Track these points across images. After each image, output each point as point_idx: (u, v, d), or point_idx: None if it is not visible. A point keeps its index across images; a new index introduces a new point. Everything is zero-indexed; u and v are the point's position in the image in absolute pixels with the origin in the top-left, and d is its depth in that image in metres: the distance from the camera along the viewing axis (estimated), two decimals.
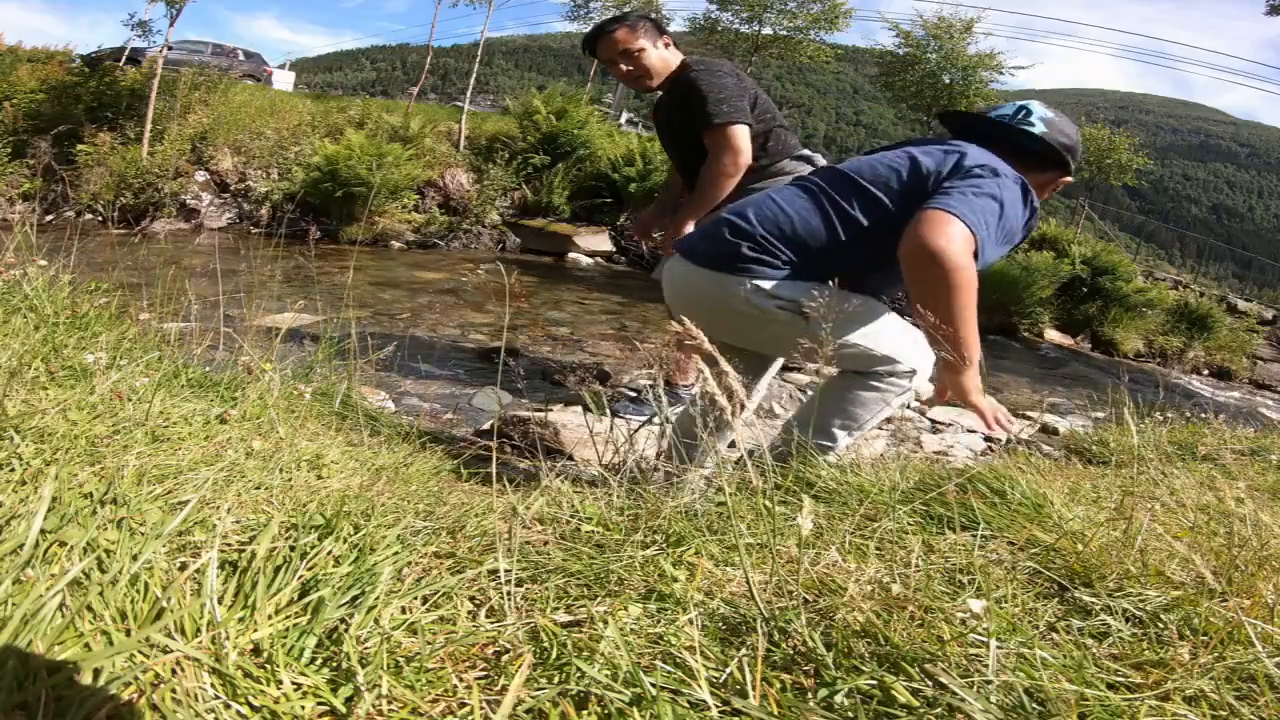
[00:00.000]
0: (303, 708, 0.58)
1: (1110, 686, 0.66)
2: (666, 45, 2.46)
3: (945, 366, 1.40)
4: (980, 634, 0.70)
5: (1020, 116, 1.55)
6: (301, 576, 0.72)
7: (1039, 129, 1.52)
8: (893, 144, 1.69)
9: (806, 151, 2.55)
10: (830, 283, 1.62)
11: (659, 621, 0.74)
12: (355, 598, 0.72)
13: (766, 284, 1.48)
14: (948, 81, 13.10)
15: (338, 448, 1.30)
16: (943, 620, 0.73)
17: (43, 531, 0.69)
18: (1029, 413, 3.99)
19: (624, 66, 2.41)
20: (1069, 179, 1.62)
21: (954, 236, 1.22)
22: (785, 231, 1.48)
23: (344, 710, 0.58)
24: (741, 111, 2.32)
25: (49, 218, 7.81)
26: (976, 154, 1.40)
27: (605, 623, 0.71)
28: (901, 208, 1.38)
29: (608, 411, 1.89)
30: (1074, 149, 1.56)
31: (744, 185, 2.38)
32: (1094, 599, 0.84)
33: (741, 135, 2.30)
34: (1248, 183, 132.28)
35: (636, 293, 6.97)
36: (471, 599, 0.77)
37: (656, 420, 1.34)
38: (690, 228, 2.38)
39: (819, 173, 1.64)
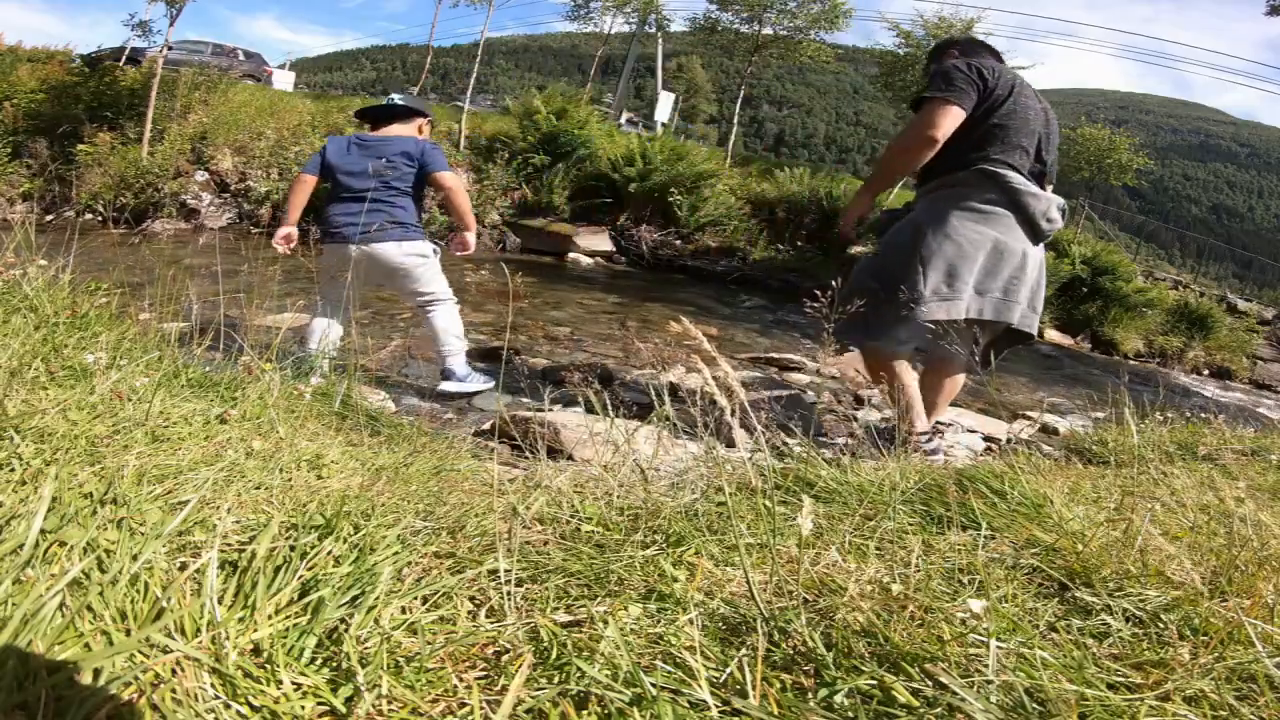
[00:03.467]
0: (303, 708, 0.58)
1: (1110, 686, 0.66)
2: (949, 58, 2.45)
3: None
4: (980, 634, 0.70)
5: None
6: (301, 576, 0.72)
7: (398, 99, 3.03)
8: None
9: (1016, 183, 2.21)
10: None
11: (659, 621, 0.74)
12: (355, 598, 0.72)
13: None
14: None
15: (338, 448, 1.30)
16: (943, 620, 0.73)
17: (43, 531, 0.69)
18: (1029, 413, 3.99)
19: None
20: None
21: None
22: None
23: (344, 710, 0.58)
24: (959, 93, 2.14)
25: (49, 218, 7.81)
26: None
27: (605, 623, 0.71)
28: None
29: (609, 411, 1.89)
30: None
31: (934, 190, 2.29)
32: (1094, 599, 0.84)
33: (940, 110, 2.13)
34: (1248, 183, 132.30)
35: (636, 293, 6.97)
36: (471, 599, 0.77)
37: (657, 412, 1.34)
38: (866, 201, 2.40)
39: None
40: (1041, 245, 2.32)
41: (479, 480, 1.35)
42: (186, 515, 0.77)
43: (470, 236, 3.00)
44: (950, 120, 2.12)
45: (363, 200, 2.75)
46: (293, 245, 2.92)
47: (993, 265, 2.22)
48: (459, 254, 3.02)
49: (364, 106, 3.18)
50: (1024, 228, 2.22)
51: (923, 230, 2.22)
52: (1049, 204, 2.22)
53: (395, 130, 2.93)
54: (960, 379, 2.46)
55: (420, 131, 3.02)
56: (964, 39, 2.57)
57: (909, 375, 2.31)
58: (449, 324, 2.92)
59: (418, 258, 2.84)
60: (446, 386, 2.86)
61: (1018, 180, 2.18)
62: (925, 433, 2.31)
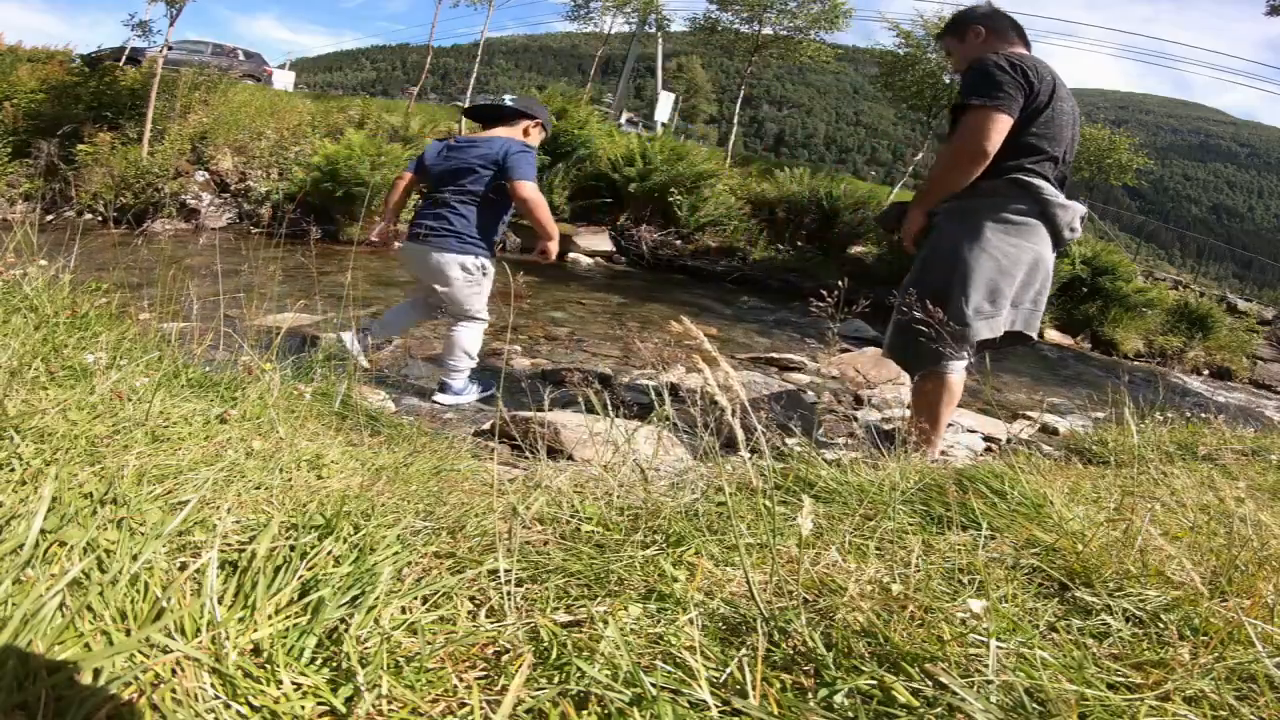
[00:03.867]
0: (303, 708, 0.58)
1: (1110, 686, 0.66)
2: (977, 37, 2.28)
3: None
4: (980, 634, 0.70)
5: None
6: (301, 576, 0.72)
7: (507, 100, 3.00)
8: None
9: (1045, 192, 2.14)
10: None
11: (659, 621, 0.74)
12: (355, 598, 0.72)
13: None
14: (948, 81, 13.09)
15: (338, 448, 1.30)
16: (943, 620, 0.73)
17: (43, 531, 0.69)
18: (1029, 413, 3.99)
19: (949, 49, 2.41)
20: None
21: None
22: None
23: (344, 710, 0.58)
24: (1007, 100, 2.01)
25: (49, 218, 7.80)
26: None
27: (605, 623, 0.71)
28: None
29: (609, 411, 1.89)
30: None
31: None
32: (1094, 599, 0.84)
33: (991, 120, 2.00)
34: (1248, 183, 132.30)
35: (636, 293, 6.97)
36: (471, 599, 0.77)
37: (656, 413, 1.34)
38: (919, 216, 2.26)
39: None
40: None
41: (479, 480, 1.35)
42: (186, 515, 0.77)
43: (552, 245, 2.90)
44: (1000, 131, 2.02)
45: (440, 205, 2.75)
46: (384, 241, 2.98)
47: (1028, 279, 2.20)
48: (541, 262, 2.95)
49: (473, 106, 3.12)
50: (1050, 238, 2.19)
51: (959, 246, 2.16)
52: (1074, 214, 2.18)
53: (499, 132, 2.84)
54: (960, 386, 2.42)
55: (525, 134, 2.90)
56: (988, 11, 2.34)
57: (955, 396, 2.25)
58: (469, 343, 2.87)
59: (462, 272, 2.76)
60: (440, 398, 2.84)
61: (1049, 191, 2.12)
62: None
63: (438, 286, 2.80)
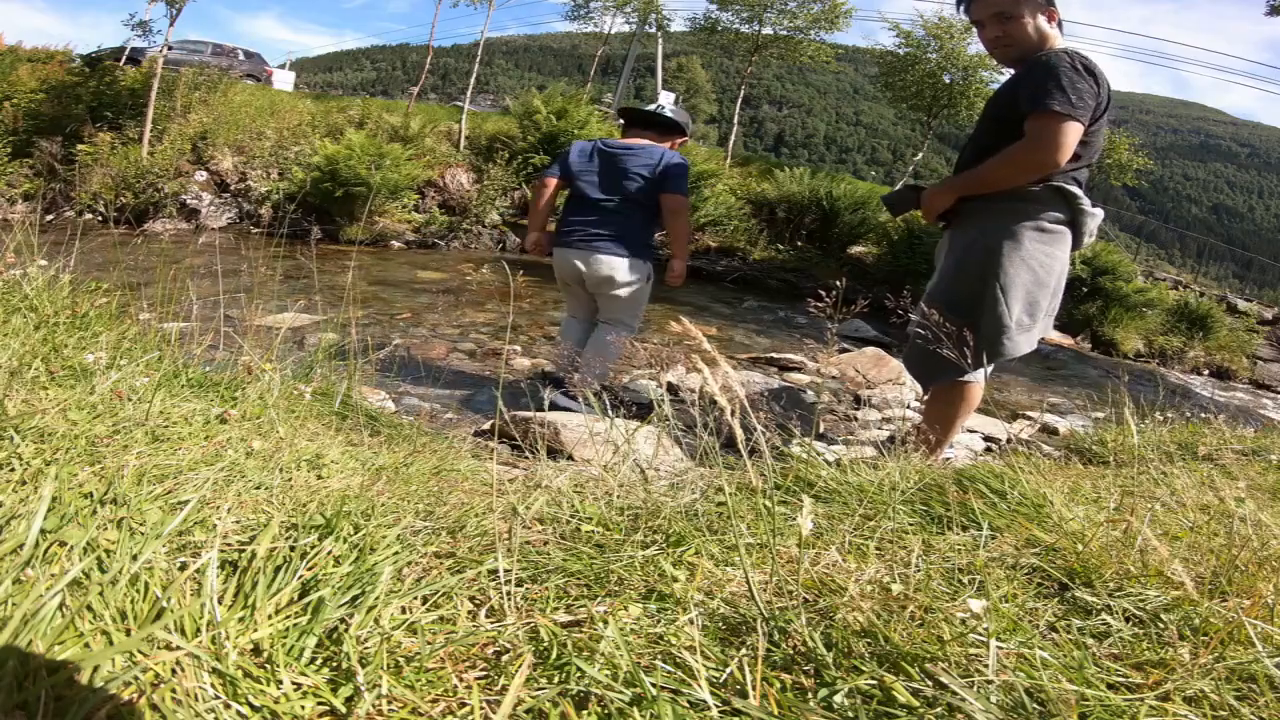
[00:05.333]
0: (303, 708, 0.58)
1: (1110, 686, 0.66)
2: (1051, 20, 2.03)
3: None
4: (980, 634, 0.70)
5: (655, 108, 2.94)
6: (301, 576, 0.72)
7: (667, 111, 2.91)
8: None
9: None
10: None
11: (659, 621, 0.74)
12: (355, 598, 0.72)
13: None
14: (948, 81, 13.10)
15: (338, 448, 1.31)
16: (943, 620, 0.73)
17: (43, 531, 0.69)
18: (1029, 413, 3.99)
19: (993, 32, 2.06)
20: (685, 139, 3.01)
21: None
22: None
23: (344, 710, 0.58)
24: (1085, 110, 1.89)
25: (49, 217, 7.81)
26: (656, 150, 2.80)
27: (605, 623, 0.71)
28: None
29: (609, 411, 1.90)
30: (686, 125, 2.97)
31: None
32: (1094, 599, 0.84)
33: (1070, 132, 1.88)
34: (1248, 183, 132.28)
35: None
36: (471, 599, 0.77)
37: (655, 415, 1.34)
38: (949, 198, 2.15)
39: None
40: None
41: (479, 480, 1.35)
42: (186, 515, 0.77)
43: (680, 264, 2.85)
44: (1074, 143, 1.91)
45: (599, 209, 2.72)
46: (541, 249, 2.87)
47: (1059, 288, 2.14)
48: (668, 282, 2.92)
49: (629, 107, 3.06)
50: (1072, 244, 2.12)
51: (997, 254, 2.04)
52: (1097, 222, 2.11)
53: (648, 140, 2.82)
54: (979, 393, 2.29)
55: (673, 147, 2.89)
56: None
57: (970, 409, 2.19)
58: (614, 351, 2.81)
59: (631, 275, 2.76)
60: (558, 399, 2.77)
61: (1085, 200, 2.05)
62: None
63: (608, 291, 2.78)
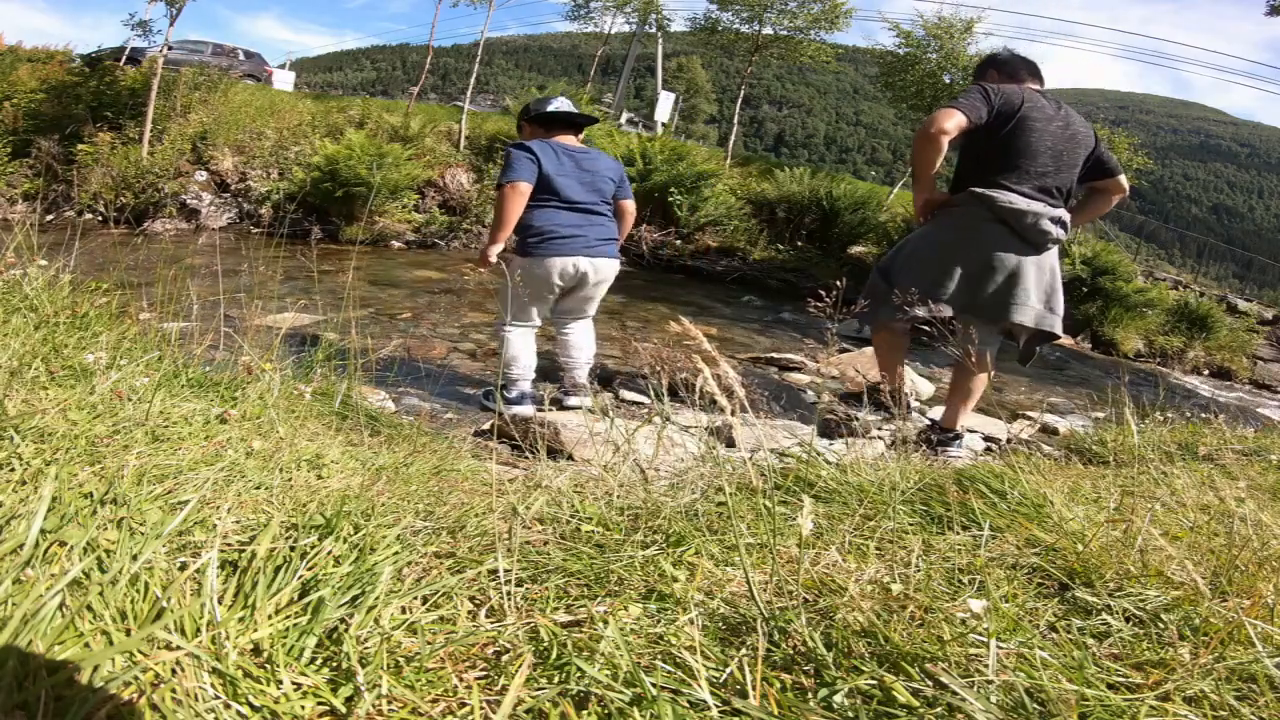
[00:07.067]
0: (303, 708, 0.58)
1: (1110, 686, 0.66)
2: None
3: None
4: (980, 634, 0.70)
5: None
6: (301, 576, 0.72)
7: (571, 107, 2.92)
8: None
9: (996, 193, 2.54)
10: None
11: (659, 621, 0.74)
12: (355, 598, 0.72)
13: None
14: (948, 81, 13.08)
15: (338, 448, 1.31)
16: (943, 620, 0.73)
17: (43, 531, 0.69)
18: (1029, 413, 3.99)
19: None
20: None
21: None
22: None
23: (344, 710, 0.58)
24: (967, 104, 2.44)
25: (49, 217, 7.81)
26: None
27: (605, 623, 0.71)
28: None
29: (609, 411, 1.90)
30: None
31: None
32: (1094, 599, 0.84)
33: (942, 114, 2.42)
34: (1248, 183, 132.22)
35: (636, 292, 6.97)
36: (471, 599, 0.77)
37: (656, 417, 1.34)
38: (919, 198, 2.67)
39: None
40: (1048, 253, 2.56)
41: (479, 480, 1.35)
42: (186, 515, 0.77)
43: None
44: (950, 121, 2.38)
45: (588, 213, 2.78)
46: (491, 261, 2.86)
47: (981, 274, 2.51)
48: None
49: (561, 112, 2.98)
50: (1015, 240, 2.49)
51: (927, 240, 2.64)
52: (1036, 217, 2.46)
53: (574, 141, 2.91)
54: (980, 382, 2.66)
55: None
56: (1006, 58, 2.79)
57: (893, 349, 2.79)
58: (592, 340, 3.04)
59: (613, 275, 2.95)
60: (572, 402, 2.87)
61: (1003, 199, 2.44)
62: (886, 389, 2.76)
63: (599, 291, 2.94)
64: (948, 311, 2.52)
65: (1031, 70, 2.70)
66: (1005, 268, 2.50)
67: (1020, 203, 2.45)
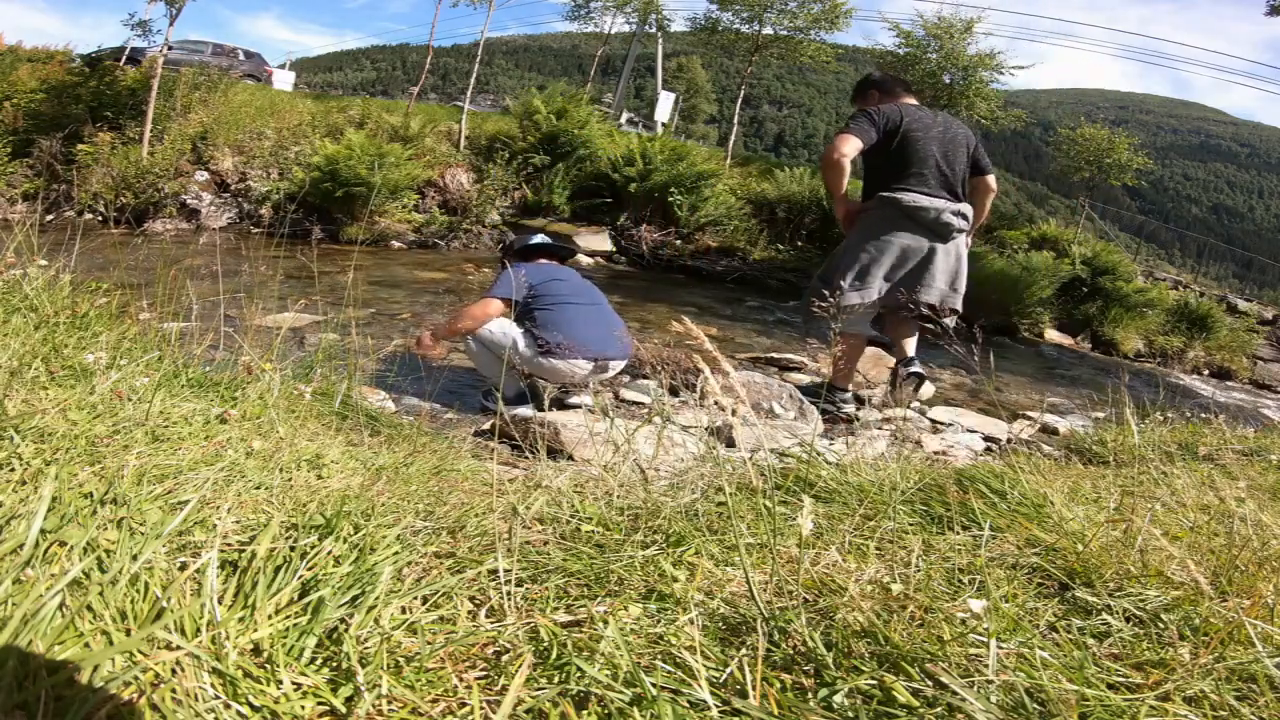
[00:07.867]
0: (303, 708, 0.58)
1: (1110, 686, 0.66)
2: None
3: None
4: (980, 634, 0.70)
5: None
6: (301, 576, 0.72)
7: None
8: None
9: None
10: None
11: (659, 621, 0.74)
12: (355, 598, 0.72)
13: None
14: (948, 81, 13.08)
15: (338, 448, 1.30)
16: (943, 620, 0.73)
17: (43, 531, 0.69)
18: (1029, 413, 3.99)
19: None
20: None
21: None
22: None
23: (344, 710, 0.58)
24: (858, 127, 2.90)
25: (49, 217, 7.81)
26: None
27: (605, 623, 0.71)
28: None
29: (609, 411, 1.90)
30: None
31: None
32: (1094, 599, 0.84)
33: (841, 139, 2.90)
34: (1248, 183, 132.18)
35: (637, 293, 6.97)
36: (471, 599, 0.77)
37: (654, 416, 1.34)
38: (840, 208, 3.14)
39: None
40: (955, 241, 2.97)
41: (479, 480, 1.35)
42: (186, 515, 0.77)
43: None
44: (848, 145, 2.82)
45: (600, 313, 2.98)
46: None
47: (899, 262, 2.94)
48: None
49: (554, 246, 3.31)
50: (924, 232, 2.91)
51: (850, 242, 3.04)
52: (938, 212, 2.87)
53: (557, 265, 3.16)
54: (908, 325, 3.09)
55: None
56: (881, 78, 3.22)
57: (854, 349, 3.11)
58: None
59: None
60: (573, 401, 2.89)
61: (907, 199, 2.87)
62: (843, 390, 3.11)
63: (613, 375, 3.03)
64: (874, 296, 2.93)
65: (906, 86, 3.17)
66: (917, 255, 2.92)
67: (923, 200, 2.86)
